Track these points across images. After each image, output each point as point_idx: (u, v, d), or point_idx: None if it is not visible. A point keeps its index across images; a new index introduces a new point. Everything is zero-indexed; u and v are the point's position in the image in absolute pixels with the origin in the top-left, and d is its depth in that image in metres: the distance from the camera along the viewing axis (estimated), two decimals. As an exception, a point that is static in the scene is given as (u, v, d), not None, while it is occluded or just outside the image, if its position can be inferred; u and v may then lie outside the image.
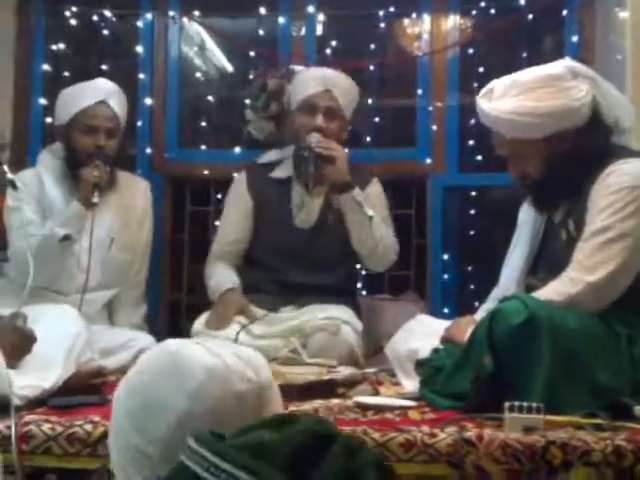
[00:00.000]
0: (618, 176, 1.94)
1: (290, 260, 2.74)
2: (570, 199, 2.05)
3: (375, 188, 2.86)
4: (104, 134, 2.63)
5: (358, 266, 2.95)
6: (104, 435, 1.62)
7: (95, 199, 2.50)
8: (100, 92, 2.67)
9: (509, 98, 2.01)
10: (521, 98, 1.99)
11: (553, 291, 1.92)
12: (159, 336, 2.78)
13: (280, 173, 2.83)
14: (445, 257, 3.26)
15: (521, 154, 2.06)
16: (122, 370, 2.36)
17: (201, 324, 2.60)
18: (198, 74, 3.43)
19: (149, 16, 3.32)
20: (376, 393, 2.12)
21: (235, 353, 1.07)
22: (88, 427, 1.65)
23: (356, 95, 2.83)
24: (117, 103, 2.69)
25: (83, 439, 1.63)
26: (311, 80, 2.78)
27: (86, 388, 2.01)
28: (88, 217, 2.52)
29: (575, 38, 3.18)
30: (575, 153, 2.01)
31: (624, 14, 2.73)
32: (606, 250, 1.90)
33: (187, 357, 1.04)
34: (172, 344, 1.09)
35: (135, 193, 2.81)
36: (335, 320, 2.56)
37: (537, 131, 2.00)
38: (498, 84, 2.06)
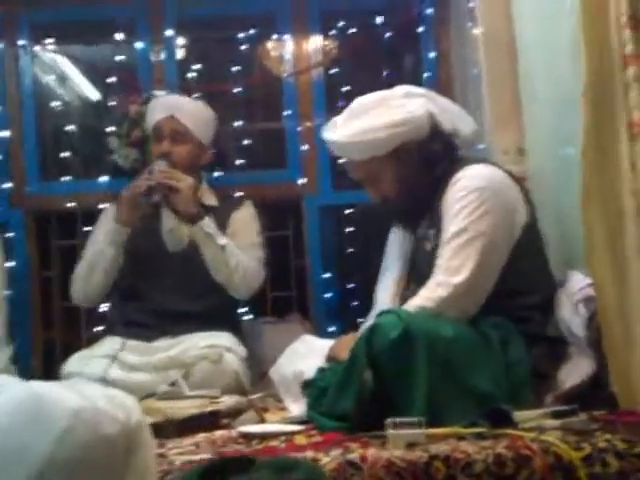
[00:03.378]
0: (467, 180, 2.04)
1: (164, 287, 2.67)
2: (428, 211, 2.12)
3: (244, 212, 2.83)
4: None
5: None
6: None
7: None
8: None
9: (351, 123, 2.12)
10: (360, 120, 2.10)
11: (423, 298, 1.96)
12: (32, 378, 2.64)
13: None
14: (326, 276, 3.26)
15: (374, 175, 2.15)
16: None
17: (73, 364, 2.48)
18: (56, 103, 3.30)
19: (-2, 46, 3.17)
20: (262, 420, 2.08)
21: (105, 394, 1.00)
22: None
23: (208, 118, 2.81)
24: None
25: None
26: (157, 107, 2.80)
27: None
28: None
29: (432, 54, 3.27)
30: (423, 164, 2.10)
31: (476, 29, 2.82)
32: (465, 251, 1.97)
33: (51, 399, 0.95)
34: (34, 385, 0.99)
35: None
36: (217, 348, 2.50)
37: (380, 148, 2.09)
38: (339, 117, 2.19)
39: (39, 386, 0.98)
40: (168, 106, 2.75)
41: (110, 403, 0.98)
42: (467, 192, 2.01)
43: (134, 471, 0.96)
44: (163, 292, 2.67)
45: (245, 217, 2.83)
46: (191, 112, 2.75)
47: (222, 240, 2.64)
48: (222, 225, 2.74)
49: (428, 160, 2.10)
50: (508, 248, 2.02)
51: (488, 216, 1.98)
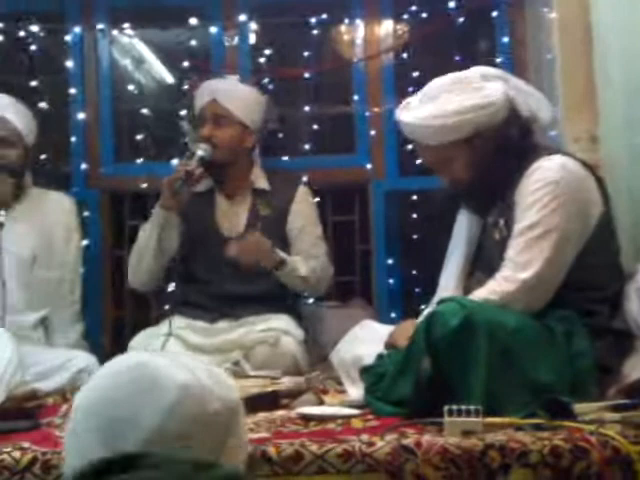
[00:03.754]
0: (543, 172, 1.98)
1: (222, 271, 2.70)
2: (500, 199, 2.07)
3: (303, 203, 2.81)
4: None
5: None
6: (32, 461, 1.57)
7: (1, 218, 2.44)
8: None
9: (424, 105, 2.07)
10: (435, 103, 2.05)
11: (488, 291, 1.94)
12: (102, 354, 2.73)
13: (200, 187, 2.78)
14: (389, 262, 3.25)
15: (446, 160, 2.09)
16: (60, 392, 2.32)
17: (137, 342, 2.54)
18: (132, 87, 3.37)
19: (77, 30, 3.25)
20: (321, 402, 2.10)
21: (209, 372, 1.03)
22: (16, 454, 1.59)
23: (254, 100, 2.80)
24: (14, 114, 2.62)
25: (11, 467, 1.57)
26: (201, 92, 2.79)
27: (19, 413, 1.95)
28: None
29: (506, 39, 3.21)
30: (498, 150, 2.05)
31: (552, 14, 2.76)
32: (536, 246, 1.92)
33: (162, 372, 0.99)
34: (144, 357, 1.04)
35: (57, 210, 2.74)
36: (274, 331, 2.53)
37: (455, 132, 2.04)
38: (414, 97, 2.13)
39: (151, 359, 1.03)
40: (210, 90, 2.74)
41: (214, 381, 1.01)
42: (542, 185, 1.95)
43: (230, 449, 0.99)
44: (221, 276, 2.70)
45: (305, 209, 2.81)
46: (234, 95, 2.74)
47: (303, 270, 2.67)
48: (278, 211, 2.76)
49: (503, 146, 2.04)
50: (580, 244, 1.97)
51: (562, 211, 1.93)
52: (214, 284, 2.71)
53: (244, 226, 2.75)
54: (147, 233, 2.68)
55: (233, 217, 2.77)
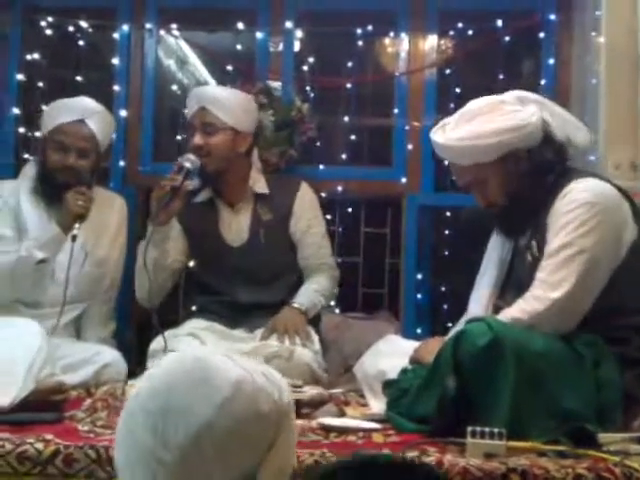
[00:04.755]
0: (577, 193, 1.97)
1: (233, 280, 2.70)
2: (533, 222, 2.06)
3: (306, 200, 2.79)
4: (76, 153, 2.57)
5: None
6: (55, 454, 1.59)
7: (76, 231, 2.44)
8: (79, 110, 2.61)
9: (460, 127, 2.07)
10: (470, 125, 2.06)
11: (519, 310, 1.93)
12: (127, 352, 2.75)
13: (201, 197, 2.77)
14: (419, 277, 3.24)
15: (480, 181, 2.10)
16: (84, 386, 2.34)
17: (158, 342, 2.53)
18: (174, 87, 3.41)
19: (126, 28, 3.30)
20: (342, 414, 2.10)
21: (262, 371, 1.04)
22: (39, 445, 1.61)
23: (244, 104, 2.74)
24: (97, 123, 2.62)
25: (33, 458, 1.59)
26: (189, 101, 2.75)
27: (45, 404, 1.97)
28: (67, 241, 2.46)
29: (552, 61, 3.19)
30: (532, 173, 2.05)
31: (600, 39, 2.74)
32: (568, 266, 1.91)
33: (216, 367, 1.00)
34: (201, 352, 1.06)
35: (111, 209, 2.76)
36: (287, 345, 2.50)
37: (491, 153, 2.04)
38: (450, 119, 2.13)
39: (206, 353, 1.04)
40: (199, 98, 2.69)
41: (267, 380, 1.02)
42: (576, 206, 1.94)
43: (278, 449, 1.00)
44: (232, 285, 2.69)
45: (308, 209, 2.79)
46: (223, 101, 2.67)
47: (322, 302, 2.70)
48: (280, 212, 2.74)
49: (538, 169, 2.04)
50: (612, 267, 1.95)
51: (595, 232, 1.92)
52: (226, 293, 2.71)
53: (248, 233, 2.73)
54: (143, 250, 2.58)
55: (236, 225, 2.75)
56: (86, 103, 2.66)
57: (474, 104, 2.11)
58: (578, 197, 1.96)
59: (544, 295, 1.91)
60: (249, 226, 2.74)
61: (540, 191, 2.03)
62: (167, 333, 2.59)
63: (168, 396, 0.99)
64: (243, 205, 2.76)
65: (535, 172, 2.04)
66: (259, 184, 2.77)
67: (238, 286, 2.69)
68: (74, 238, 2.44)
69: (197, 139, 2.64)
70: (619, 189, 2.05)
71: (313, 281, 2.75)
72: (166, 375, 1.02)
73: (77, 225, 2.45)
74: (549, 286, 1.91)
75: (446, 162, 3.10)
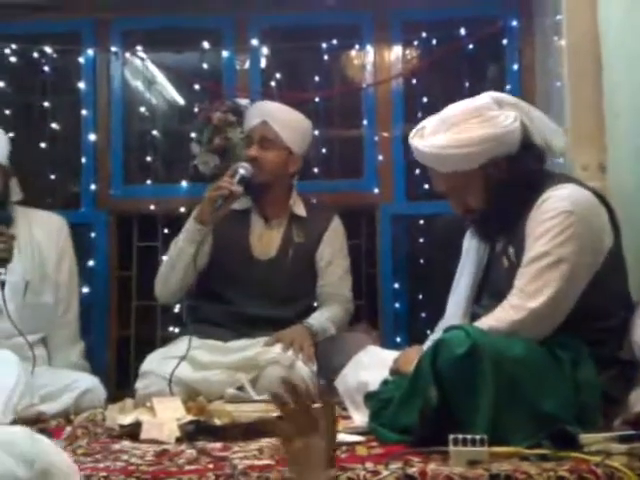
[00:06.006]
0: (555, 202, 1.96)
1: (246, 292, 2.71)
2: (510, 227, 2.05)
3: (336, 234, 2.86)
4: None
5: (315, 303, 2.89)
6: (36, 486, 1.56)
7: (2, 277, 2.36)
8: None
9: (440, 134, 2.05)
10: (450, 132, 2.03)
11: (496, 319, 1.92)
12: (106, 374, 2.73)
13: (239, 205, 2.79)
14: (396, 286, 3.26)
15: (459, 188, 2.08)
16: (63, 414, 2.32)
17: (149, 364, 2.53)
18: (143, 109, 3.40)
19: (90, 52, 3.29)
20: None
21: (5, 443, 0.98)
22: (20, 478, 1.58)
23: (302, 127, 2.83)
24: None
25: (14, 491, 1.56)
26: (252, 113, 2.84)
27: (24, 435, 1.95)
28: None
29: (516, 66, 3.23)
30: (512, 180, 2.03)
31: (562, 42, 2.77)
32: (545, 276, 1.91)
33: None
34: None
35: (48, 230, 2.68)
36: (290, 354, 2.52)
37: (471, 162, 2.02)
38: (429, 122, 2.11)
39: None
40: (262, 112, 2.77)
41: (10, 455, 0.96)
42: (554, 214, 1.93)
43: None
44: (246, 297, 2.71)
45: (336, 241, 2.85)
46: (284, 119, 2.76)
47: (332, 330, 2.73)
48: (311, 237, 2.80)
49: (517, 176, 2.02)
50: (589, 275, 1.95)
51: (573, 241, 1.91)
52: (236, 304, 2.71)
53: (277, 250, 2.76)
54: (179, 246, 2.67)
55: (267, 240, 2.79)
56: None
57: (453, 110, 2.08)
58: (556, 205, 1.94)
59: (522, 304, 1.90)
60: (280, 243, 2.77)
61: (519, 198, 2.02)
62: (157, 353, 2.60)
63: None
64: (277, 222, 2.80)
65: (515, 179, 2.02)
66: (298, 206, 2.83)
67: (253, 299, 2.70)
68: (2, 285, 2.35)
69: (253, 151, 2.72)
70: (596, 193, 2.04)
71: (328, 309, 2.79)
72: None
73: (3, 270, 2.35)
74: (527, 295, 1.91)
75: (417, 171, 3.19)
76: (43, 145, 3.25)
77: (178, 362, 2.43)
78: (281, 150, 2.75)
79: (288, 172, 2.78)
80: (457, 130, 2.02)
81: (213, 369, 2.51)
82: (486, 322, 1.93)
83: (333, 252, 2.82)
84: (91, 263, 3.13)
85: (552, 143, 2.09)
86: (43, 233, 2.66)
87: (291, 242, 2.77)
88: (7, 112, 3.25)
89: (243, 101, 3.19)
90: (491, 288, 2.14)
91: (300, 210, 2.83)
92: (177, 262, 2.66)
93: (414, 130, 2.14)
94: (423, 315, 3.23)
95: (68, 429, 2.13)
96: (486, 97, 2.09)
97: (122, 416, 2.11)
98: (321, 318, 2.73)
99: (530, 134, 2.04)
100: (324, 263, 2.81)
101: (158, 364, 2.52)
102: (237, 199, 2.68)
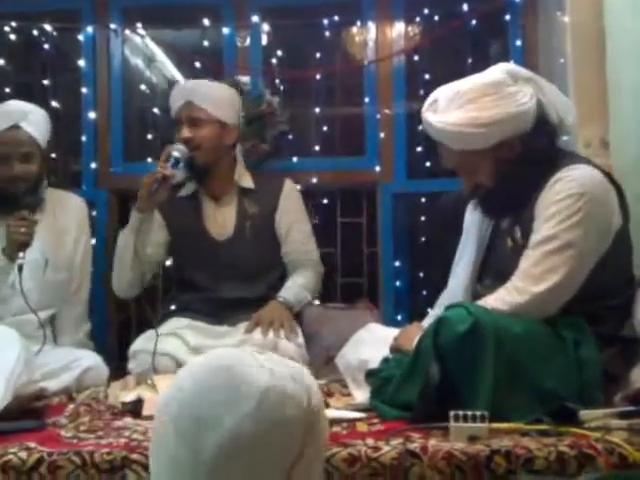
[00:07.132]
0: (565, 183, 1.92)
1: (215, 275, 2.69)
2: (517, 205, 2.03)
3: (291, 196, 2.81)
4: (19, 161, 2.52)
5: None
6: (39, 462, 1.57)
7: (21, 260, 2.38)
8: (12, 116, 2.54)
9: (453, 110, 1.99)
10: (465, 109, 1.97)
11: (498, 300, 1.90)
12: (108, 354, 2.73)
13: (185, 191, 2.77)
14: (397, 264, 3.25)
15: (470, 164, 2.04)
16: (66, 392, 2.33)
17: (139, 343, 2.53)
18: (143, 86, 3.39)
19: (90, 29, 3.27)
20: (326, 405, 2.09)
21: (292, 375, 1.04)
22: (23, 454, 1.59)
23: (229, 97, 2.77)
24: (33, 124, 2.55)
25: (17, 467, 1.57)
26: (175, 95, 2.76)
27: (26, 412, 1.96)
28: (15, 267, 2.40)
29: (519, 42, 3.20)
30: (524, 157, 1.99)
31: (565, 18, 2.75)
32: (551, 260, 1.88)
33: (244, 376, 1.01)
34: (228, 356, 1.05)
35: (69, 211, 2.72)
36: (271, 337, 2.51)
37: (484, 141, 1.99)
38: (441, 95, 2.03)
39: (234, 359, 1.04)
40: (185, 93, 2.71)
41: (296, 385, 1.02)
42: (563, 197, 1.90)
43: (308, 453, 1.01)
44: (215, 280, 2.69)
45: (293, 204, 2.80)
46: (208, 95, 2.70)
47: (308, 297, 2.73)
48: (265, 207, 2.75)
49: (530, 154, 1.98)
50: (596, 259, 1.92)
51: (581, 225, 1.88)
52: (211, 289, 2.70)
53: (233, 227, 2.74)
54: (124, 236, 2.63)
55: (221, 219, 2.75)
56: (16, 106, 2.59)
57: (467, 84, 2.00)
58: (566, 187, 1.91)
59: (526, 288, 1.89)
60: (235, 219, 2.74)
61: (530, 176, 1.98)
62: (147, 333, 2.58)
63: (197, 407, 1.00)
64: (228, 199, 2.76)
65: (527, 157, 1.99)
66: (245, 178, 2.78)
67: (222, 281, 2.69)
68: (20, 268, 2.38)
69: (185, 132, 2.66)
70: (606, 173, 2.00)
71: (299, 276, 2.76)
72: (194, 384, 1.02)
73: (22, 254, 2.39)
74: (531, 279, 1.89)
75: (419, 149, 3.18)
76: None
77: (156, 337, 2.43)
78: (212, 124, 2.68)
79: (225, 144, 2.72)
80: (472, 107, 1.96)
81: (203, 351, 2.49)
82: (488, 302, 1.91)
83: (291, 217, 2.78)
84: (92, 242, 3.11)
85: (566, 119, 2.05)
86: (63, 212, 2.69)
87: (246, 216, 2.73)
88: (7, 90, 3.23)
89: (244, 78, 3.17)
90: (494, 267, 2.13)
91: (247, 182, 2.77)
92: (124, 253, 2.62)
93: (426, 103, 2.06)
94: (424, 293, 3.23)
95: (70, 406, 2.14)
96: (501, 71, 2.02)
97: (124, 393, 2.12)
98: (294, 288, 2.71)
99: (545, 111, 2.00)
100: (284, 230, 2.77)
101: (145, 342, 2.52)
102: (173, 183, 2.61)
